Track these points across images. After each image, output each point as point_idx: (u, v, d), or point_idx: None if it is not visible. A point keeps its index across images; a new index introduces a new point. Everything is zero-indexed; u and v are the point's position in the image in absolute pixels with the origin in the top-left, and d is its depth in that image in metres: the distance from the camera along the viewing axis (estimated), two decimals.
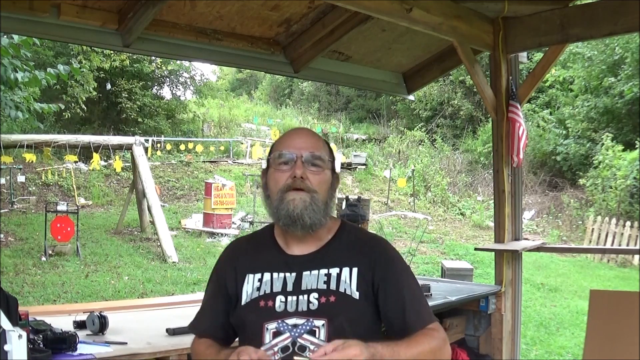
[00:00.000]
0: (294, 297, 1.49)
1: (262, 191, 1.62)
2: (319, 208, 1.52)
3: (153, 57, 17.97)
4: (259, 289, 1.54)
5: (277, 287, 1.52)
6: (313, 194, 1.52)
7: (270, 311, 1.49)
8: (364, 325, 1.50)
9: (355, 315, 1.49)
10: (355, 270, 1.52)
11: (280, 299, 1.50)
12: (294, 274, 1.53)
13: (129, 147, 11.02)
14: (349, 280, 1.51)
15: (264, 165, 1.66)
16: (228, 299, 1.60)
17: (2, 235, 10.11)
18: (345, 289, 1.49)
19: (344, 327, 1.45)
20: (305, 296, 1.49)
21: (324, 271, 1.52)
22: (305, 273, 1.52)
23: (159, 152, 16.08)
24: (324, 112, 25.49)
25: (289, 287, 1.51)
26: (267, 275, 1.55)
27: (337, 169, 1.67)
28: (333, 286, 1.49)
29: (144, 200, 10.70)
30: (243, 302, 1.55)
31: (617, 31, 3.46)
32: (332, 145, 18.05)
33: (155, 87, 21.29)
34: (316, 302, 1.48)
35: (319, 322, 1.46)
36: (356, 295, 1.50)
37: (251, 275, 1.57)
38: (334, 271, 1.52)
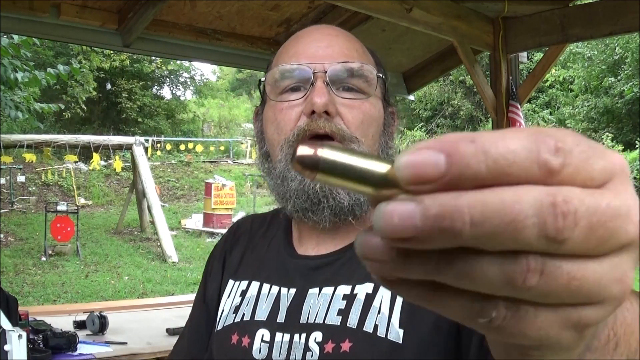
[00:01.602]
0: (286, 336, 0.83)
1: (257, 148, 0.93)
2: None
3: (153, 57, 17.98)
4: (237, 309, 0.90)
5: (262, 313, 0.87)
6: (351, 143, 0.81)
7: (244, 354, 0.85)
8: None
9: None
10: None
11: (262, 335, 0.85)
12: (293, 291, 0.86)
13: (129, 147, 11.02)
14: (388, 308, 0.78)
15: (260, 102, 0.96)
16: (209, 311, 0.99)
17: (2, 235, 10.11)
18: (377, 326, 0.77)
19: None
20: (304, 335, 0.81)
21: (343, 289, 0.82)
22: (312, 291, 0.84)
23: (159, 152, 16.09)
24: None
25: (281, 316, 0.85)
26: (254, 287, 0.90)
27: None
28: (353, 320, 0.79)
29: (144, 200, 10.70)
30: (217, 328, 0.93)
31: (617, 31, 3.46)
32: None
33: (155, 87, 21.31)
34: (317, 349, 0.79)
35: None
36: (398, 337, 0.76)
37: (234, 283, 0.94)
38: (363, 290, 0.81)
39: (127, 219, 11.69)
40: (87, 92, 15.80)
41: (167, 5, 3.04)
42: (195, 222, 12.22)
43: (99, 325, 2.90)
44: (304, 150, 0.27)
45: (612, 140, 13.69)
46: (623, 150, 13.37)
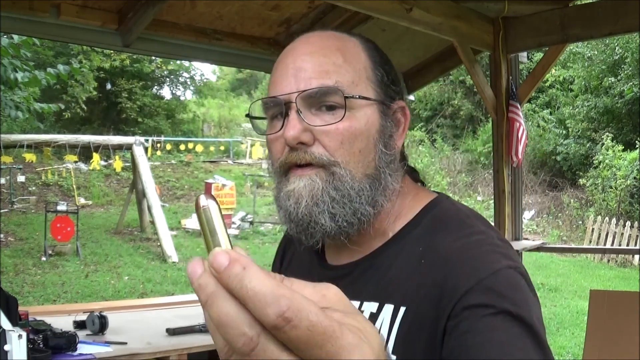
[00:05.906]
0: None
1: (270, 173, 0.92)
2: (347, 193, 0.79)
3: (153, 57, 17.98)
4: None
5: None
6: (331, 168, 0.79)
7: None
8: None
9: None
10: (402, 311, 0.77)
11: None
12: None
13: (129, 147, 11.02)
14: (387, 332, 0.76)
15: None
16: None
17: (2, 235, 10.11)
18: None
19: None
20: None
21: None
22: None
23: (159, 152, 16.08)
24: None
25: None
26: None
27: (404, 92, 0.89)
28: None
29: (144, 200, 10.70)
30: None
31: (617, 31, 3.47)
32: None
33: (155, 87, 21.30)
34: None
35: None
36: None
37: None
38: (368, 308, 0.80)
39: (127, 219, 11.68)
40: (87, 92, 15.79)
41: (167, 5, 3.04)
42: (195, 222, 12.21)
43: (99, 325, 2.90)
44: (202, 199, 0.38)
45: (612, 140, 13.67)
46: (623, 150, 13.36)
